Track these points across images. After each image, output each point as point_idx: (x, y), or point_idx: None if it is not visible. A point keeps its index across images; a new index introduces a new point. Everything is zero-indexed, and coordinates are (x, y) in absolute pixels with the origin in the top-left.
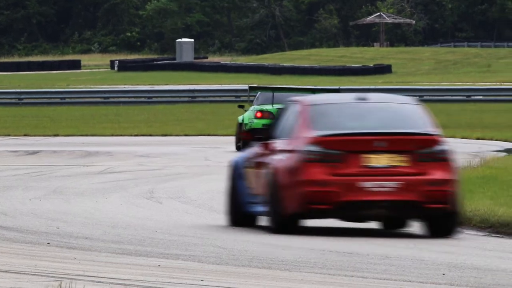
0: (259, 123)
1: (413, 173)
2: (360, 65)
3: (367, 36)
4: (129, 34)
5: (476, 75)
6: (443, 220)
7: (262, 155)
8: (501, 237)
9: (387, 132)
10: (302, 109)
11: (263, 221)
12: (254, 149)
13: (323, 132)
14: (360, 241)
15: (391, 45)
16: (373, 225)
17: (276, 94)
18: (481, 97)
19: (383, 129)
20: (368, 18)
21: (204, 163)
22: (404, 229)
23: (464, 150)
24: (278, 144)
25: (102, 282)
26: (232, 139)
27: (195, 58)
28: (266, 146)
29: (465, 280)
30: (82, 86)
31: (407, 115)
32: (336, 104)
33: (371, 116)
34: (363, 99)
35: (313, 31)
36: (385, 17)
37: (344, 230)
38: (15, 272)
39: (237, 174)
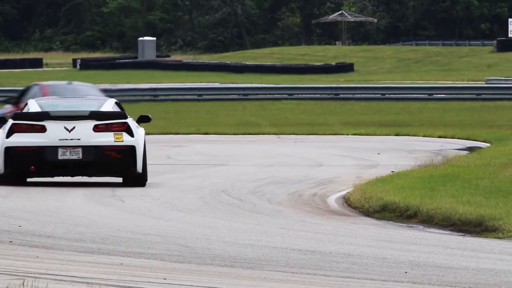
0: None
1: None
2: (323, 63)
3: (329, 34)
4: (89, 33)
5: (437, 73)
6: None
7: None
8: (463, 235)
9: None
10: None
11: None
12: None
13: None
14: (322, 239)
15: (354, 43)
16: (336, 223)
17: None
18: (443, 95)
19: None
20: (330, 17)
21: (166, 161)
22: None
23: (426, 148)
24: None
25: (65, 281)
26: (192, 137)
27: (157, 56)
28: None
29: (427, 278)
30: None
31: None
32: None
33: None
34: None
35: (276, 30)
36: (347, 15)
37: (307, 228)
38: None
39: None
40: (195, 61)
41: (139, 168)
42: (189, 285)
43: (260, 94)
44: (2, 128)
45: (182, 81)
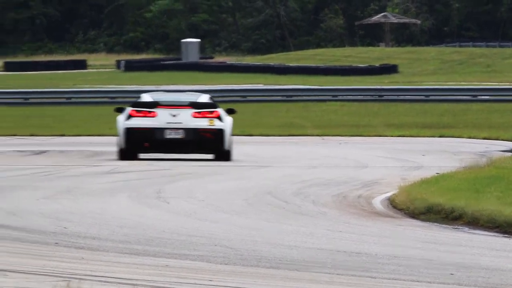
0: None
1: None
2: (366, 65)
3: (372, 36)
4: (133, 34)
5: (481, 75)
6: None
7: None
8: (509, 237)
9: None
10: None
11: None
12: None
13: None
14: (368, 241)
15: (397, 45)
16: (381, 225)
17: None
18: (487, 97)
19: None
20: (373, 18)
21: (211, 163)
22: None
23: (471, 150)
24: None
25: (110, 282)
26: (236, 139)
27: (200, 58)
28: None
29: (473, 280)
30: (88, 86)
31: None
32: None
33: None
34: None
35: (319, 31)
36: (391, 17)
37: (352, 230)
38: (23, 272)
39: None
40: (239, 62)
41: (226, 146)
42: (234, 286)
43: (304, 95)
44: (122, 114)
45: (225, 83)
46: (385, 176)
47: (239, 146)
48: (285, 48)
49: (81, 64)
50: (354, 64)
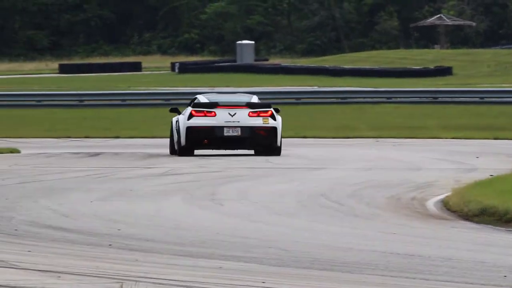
0: None
1: None
2: (421, 67)
3: (427, 38)
4: (187, 36)
5: None
6: None
7: None
8: None
9: None
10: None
11: None
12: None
13: None
14: (421, 243)
15: (452, 47)
16: (435, 227)
17: None
18: None
19: None
20: (428, 20)
21: (265, 165)
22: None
23: None
24: None
25: (164, 284)
26: (291, 141)
27: (255, 60)
28: None
29: None
30: (143, 88)
31: None
32: None
33: None
34: None
35: (373, 33)
36: (446, 19)
37: (406, 232)
38: (77, 274)
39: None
40: (293, 64)
41: (278, 143)
42: None
43: (359, 97)
44: (182, 113)
45: (280, 85)
46: (439, 178)
47: (293, 148)
48: (339, 50)
49: (137, 66)
50: (409, 66)
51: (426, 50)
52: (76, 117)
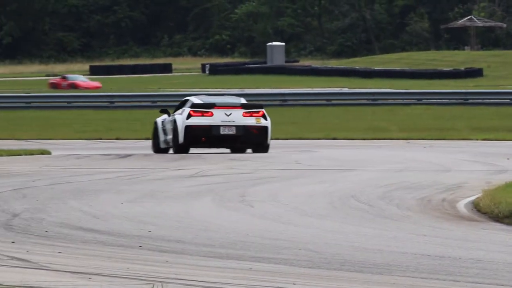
0: None
1: None
2: (451, 68)
3: (458, 39)
4: (218, 37)
5: None
6: None
7: None
8: None
9: None
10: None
11: None
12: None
13: None
14: (452, 245)
15: (483, 48)
16: (465, 228)
17: None
18: None
19: None
20: (459, 22)
21: (295, 166)
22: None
23: None
24: None
25: (194, 286)
26: (321, 142)
27: (286, 61)
28: None
29: None
30: (173, 89)
31: None
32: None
33: None
34: None
35: (404, 35)
36: (476, 20)
37: (436, 234)
38: (107, 275)
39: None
40: (324, 66)
41: (269, 141)
42: None
43: (389, 99)
44: (178, 114)
45: (310, 86)
46: (469, 180)
47: (323, 149)
48: (370, 52)
49: (167, 68)
50: (439, 68)
51: (456, 51)
52: (106, 119)
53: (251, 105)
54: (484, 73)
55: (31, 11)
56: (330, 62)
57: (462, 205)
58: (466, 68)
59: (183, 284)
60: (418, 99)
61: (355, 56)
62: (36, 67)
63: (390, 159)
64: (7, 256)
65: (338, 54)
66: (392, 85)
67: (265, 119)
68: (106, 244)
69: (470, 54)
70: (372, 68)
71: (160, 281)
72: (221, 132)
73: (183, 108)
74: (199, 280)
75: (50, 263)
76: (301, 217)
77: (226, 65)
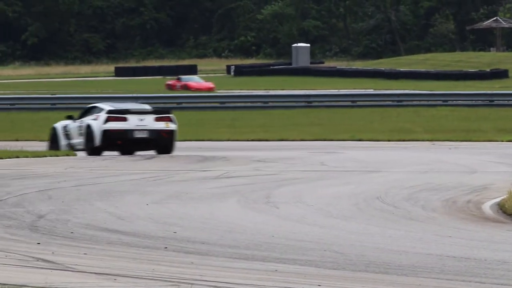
0: None
1: None
2: (477, 70)
3: (483, 40)
4: (243, 38)
5: None
6: None
7: None
8: None
9: None
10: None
11: None
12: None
13: None
14: (477, 246)
15: (509, 49)
16: (490, 230)
17: None
18: None
19: None
20: (484, 23)
21: (320, 168)
22: None
23: None
24: None
25: (219, 287)
26: (346, 143)
27: (311, 63)
28: None
29: None
30: (197, 92)
31: None
32: None
33: None
34: None
35: (429, 36)
36: (502, 21)
37: (461, 235)
38: (133, 277)
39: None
40: (349, 67)
41: (174, 143)
42: None
43: (415, 100)
44: (97, 118)
45: (336, 88)
46: (495, 181)
47: (349, 150)
48: (395, 53)
49: (192, 69)
50: (465, 69)
51: (482, 53)
52: None
53: (161, 111)
54: (510, 74)
55: (56, 12)
56: (355, 63)
57: (487, 207)
58: (491, 70)
59: (208, 285)
60: (444, 101)
61: (380, 57)
62: (61, 69)
63: (415, 160)
64: (33, 257)
65: (363, 56)
66: (417, 87)
67: (174, 123)
68: (131, 245)
69: (495, 55)
70: (398, 69)
71: (185, 283)
72: (135, 136)
73: (95, 114)
74: (224, 281)
75: (76, 264)
76: (326, 218)
77: (251, 66)
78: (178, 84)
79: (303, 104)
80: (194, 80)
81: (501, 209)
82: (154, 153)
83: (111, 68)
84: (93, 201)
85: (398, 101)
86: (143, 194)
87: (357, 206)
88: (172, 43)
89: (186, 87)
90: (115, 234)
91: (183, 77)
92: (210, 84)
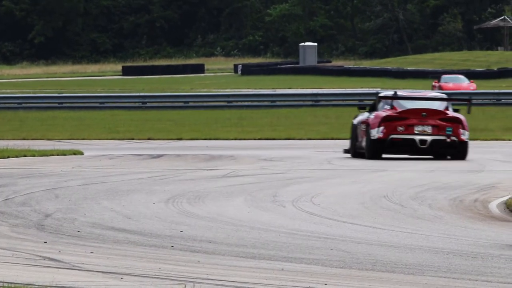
0: None
1: None
2: (484, 69)
3: (491, 39)
4: (251, 38)
5: None
6: None
7: None
8: None
9: None
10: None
11: None
12: None
13: None
14: (485, 245)
15: None
16: (497, 229)
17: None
18: None
19: None
20: (492, 22)
21: (328, 166)
22: None
23: None
24: None
25: (226, 286)
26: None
27: (318, 62)
28: None
29: None
30: (205, 90)
31: None
32: None
33: None
34: None
35: (436, 35)
36: (510, 20)
37: (468, 234)
38: (139, 275)
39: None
40: (356, 66)
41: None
42: None
43: None
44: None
45: (343, 87)
46: (502, 180)
47: None
48: (402, 52)
49: (200, 68)
50: (472, 68)
51: (489, 52)
52: (138, 119)
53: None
54: None
55: (60, 10)
56: (363, 62)
57: (494, 206)
58: (499, 69)
59: (215, 284)
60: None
61: (387, 56)
62: (69, 68)
63: (421, 159)
64: (40, 256)
65: (370, 55)
66: (425, 86)
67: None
68: (138, 244)
69: (503, 55)
70: (405, 68)
71: (192, 281)
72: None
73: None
74: (230, 280)
75: (82, 263)
76: (333, 217)
77: (259, 65)
78: (437, 85)
79: (310, 103)
80: (454, 82)
81: (508, 208)
82: (161, 152)
83: (119, 67)
84: (100, 200)
85: None
86: (150, 193)
87: (364, 205)
88: (180, 42)
89: (440, 88)
90: (122, 233)
91: (443, 76)
92: (467, 85)
